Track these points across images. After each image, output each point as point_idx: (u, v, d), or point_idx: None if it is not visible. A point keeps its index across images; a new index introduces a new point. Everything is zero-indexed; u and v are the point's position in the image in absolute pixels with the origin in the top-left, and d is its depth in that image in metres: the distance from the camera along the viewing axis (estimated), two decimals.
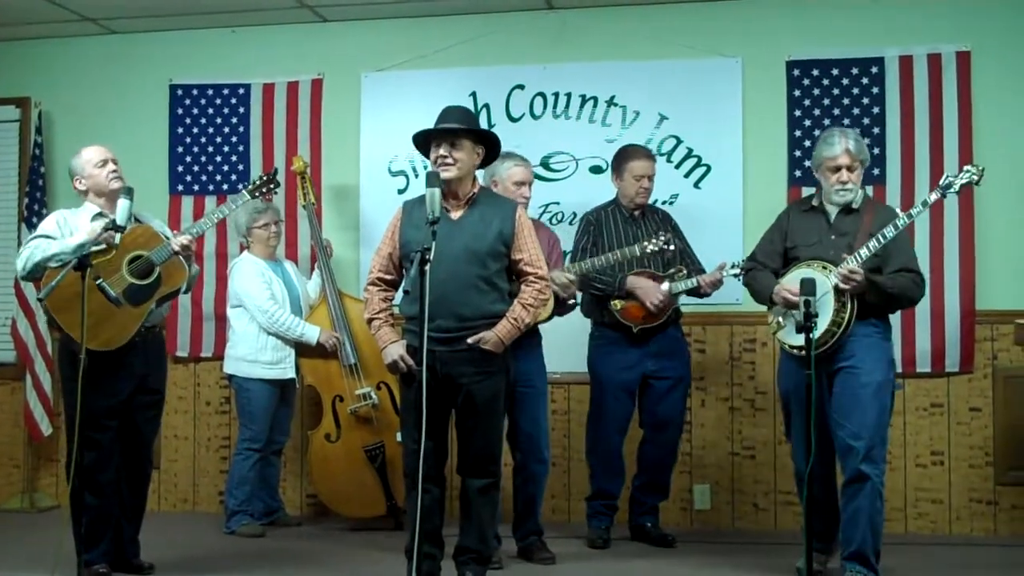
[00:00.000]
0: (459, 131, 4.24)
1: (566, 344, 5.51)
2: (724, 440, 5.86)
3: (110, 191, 4.55)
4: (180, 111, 6.44)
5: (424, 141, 4.33)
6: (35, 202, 6.32)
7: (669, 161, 5.88)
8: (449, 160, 4.20)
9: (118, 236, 4.34)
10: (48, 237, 4.45)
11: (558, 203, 6.03)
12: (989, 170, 5.42)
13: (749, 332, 5.81)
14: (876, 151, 5.65)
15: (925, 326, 5.61)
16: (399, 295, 4.26)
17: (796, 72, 5.82)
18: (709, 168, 5.91)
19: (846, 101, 5.76)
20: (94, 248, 4.29)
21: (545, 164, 6.05)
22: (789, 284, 4.37)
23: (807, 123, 5.79)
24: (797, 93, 5.82)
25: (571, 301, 5.04)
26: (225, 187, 6.33)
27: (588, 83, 6.03)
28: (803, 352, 4.10)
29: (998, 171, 5.53)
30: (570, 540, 5.29)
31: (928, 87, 5.67)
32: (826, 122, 5.71)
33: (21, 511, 6.30)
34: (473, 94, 6.11)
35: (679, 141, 5.93)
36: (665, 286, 5.11)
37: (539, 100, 6.09)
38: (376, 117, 6.24)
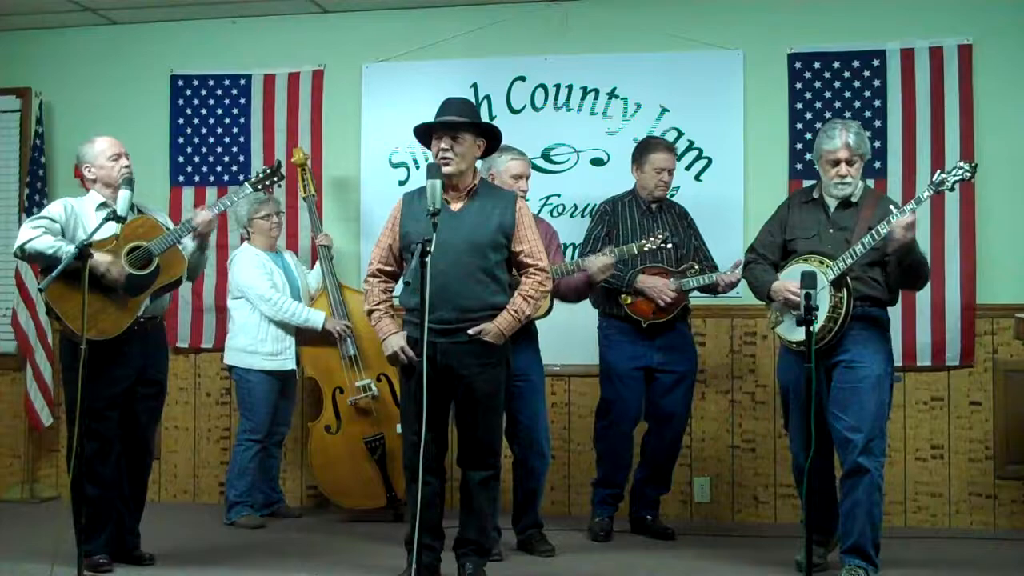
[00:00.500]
0: (460, 124, 4.23)
1: (566, 337, 5.52)
2: (724, 433, 5.87)
3: (117, 186, 4.54)
4: (181, 102, 6.43)
5: (425, 132, 4.32)
6: (35, 192, 6.31)
7: None
8: (450, 154, 4.20)
9: (119, 226, 4.34)
10: (52, 220, 4.47)
11: (559, 195, 6.03)
12: (990, 163, 5.47)
13: (750, 325, 5.81)
14: (877, 144, 5.65)
15: (926, 320, 5.61)
16: (399, 287, 4.27)
17: (798, 65, 5.82)
18: (710, 161, 5.91)
19: (848, 94, 5.76)
20: (95, 238, 4.29)
21: (546, 156, 6.04)
22: (788, 281, 4.37)
23: (808, 116, 5.78)
24: (799, 86, 5.82)
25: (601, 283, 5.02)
26: (226, 178, 6.33)
27: (589, 75, 6.02)
28: (802, 348, 4.10)
29: (999, 165, 5.54)
30: (570, 532, 5.29)
31: (930, 80, 5.67)
32: (827, 115, 5.70)
33: (21, 501, 6.31)
34: (474, 85, 6.10)
35: (680, 134, 5.92)
36: (674, 283, 5.11)
37: (540, 92, 6.08)
38: (377, 108, 6.23)
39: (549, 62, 6.08)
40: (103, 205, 4.57)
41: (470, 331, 4.14)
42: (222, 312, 6.09)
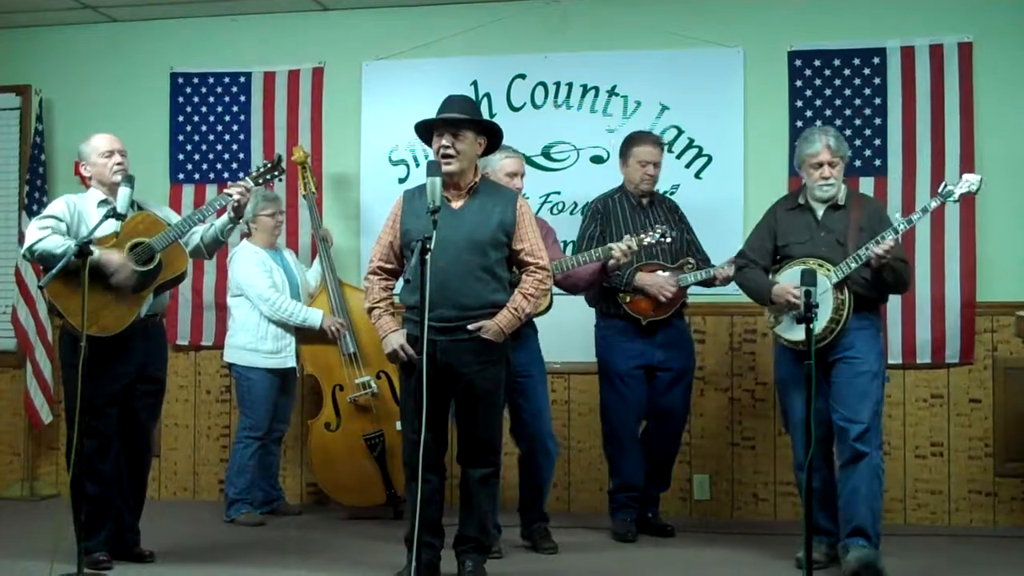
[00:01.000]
0: (462, 122, 4.23)
1: (566, 334, 5.52)
2: (724, 430, 5.87)
3: (111, 183, 4.55)
4: (181, 99, 6.43)
5: (426, 129, 4.32)
6: (36, 190, 6.31)
7: (670, 151, 5.86)
8: (451, 152, 4.20)
9: (119, 224, 4.34)
10: (58, 219, 4.47)
11: (559, 193, 6.03)
12: (990, 161, 5.49)
13: (749, 323, 5.82)
14: (877, 142, 5.66)
15: (925, 317, 5.62)
16: (399, 284, 4.27)
17: (798, 63, 5.82)
18: (710, 158, 5.91)
19: (848, 92, 5.76)
20: (96, 235, 4.29)
21: (546, 154, 6.04)
22: (787, 284, 4.42)
23: (809, 114, 5.78)
24: (799, 84, 5.82)
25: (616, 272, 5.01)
26: (226, 175, 6.32)
27: (589, 73, 6.02)
28: (802, 346, 4.14)
29: (999, 164, 5.55)
30: (572, 530, 5.29)
31: (930, 78, 5.66)
32: (828, 113, 5.72)
33: (21, 499, 6.31)
34: (474, 83, 6.10)
35: (680, 131, 5.93)
36: (675, 277, 5.11)
37: (540, 89, 6.08)
38: (377, 106, 6.23)
39: (549, 60, 6.08)
40: (104, 202, 4.58)
41: (470, 326, 4.14)
42: (222, 310, 6.08)
